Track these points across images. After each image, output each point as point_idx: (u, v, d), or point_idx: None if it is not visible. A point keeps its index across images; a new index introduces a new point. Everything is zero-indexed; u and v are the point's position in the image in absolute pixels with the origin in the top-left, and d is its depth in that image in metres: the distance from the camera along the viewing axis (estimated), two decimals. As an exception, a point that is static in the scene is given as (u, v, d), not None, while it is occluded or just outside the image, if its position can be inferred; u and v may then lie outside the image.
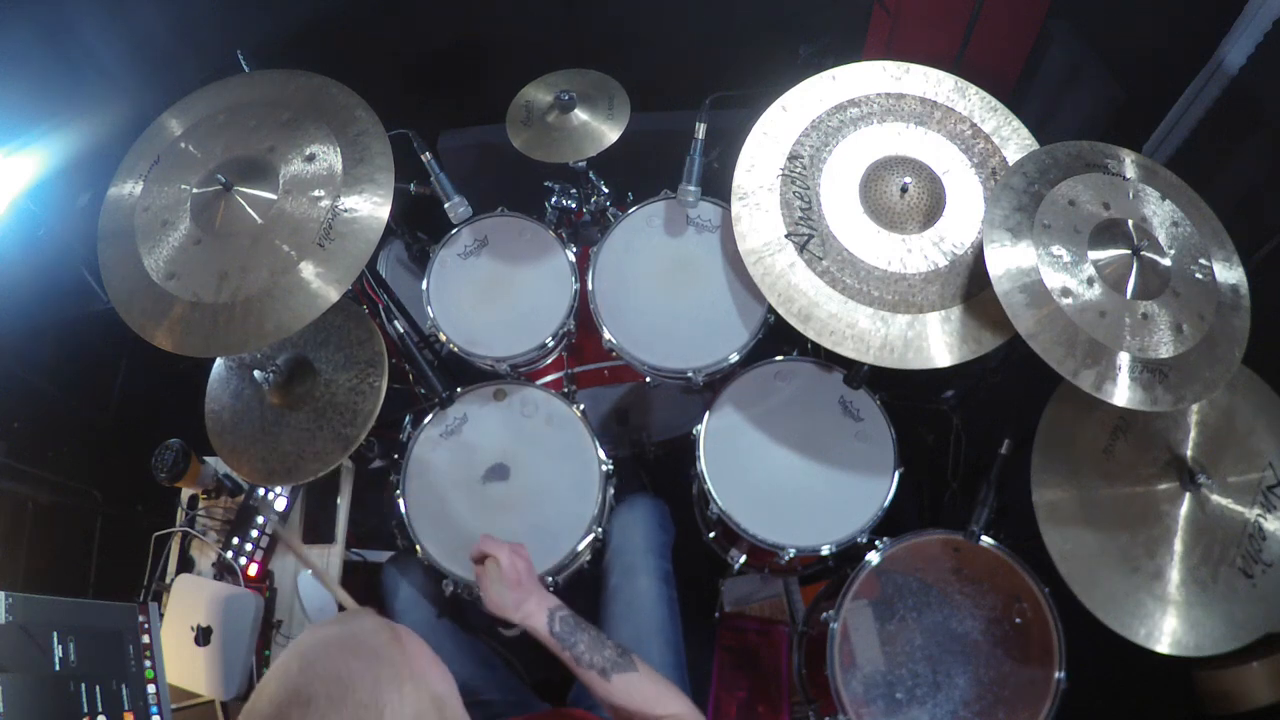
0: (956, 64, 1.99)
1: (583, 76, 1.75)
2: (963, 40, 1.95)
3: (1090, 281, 1.19)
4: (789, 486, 1.51)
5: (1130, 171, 1.29)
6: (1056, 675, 1.35)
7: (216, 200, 1.26)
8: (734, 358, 1.54)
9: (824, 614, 1.44)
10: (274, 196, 1.26)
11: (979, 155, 1.40)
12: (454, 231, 1.71)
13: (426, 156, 1.58)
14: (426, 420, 1.59)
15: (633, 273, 1.64)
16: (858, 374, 1.54)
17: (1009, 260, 1.20)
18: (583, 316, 1.65)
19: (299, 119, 1.32)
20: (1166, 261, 1.22)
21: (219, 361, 1.55)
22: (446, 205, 1.59)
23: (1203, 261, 1.25)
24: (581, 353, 1.77)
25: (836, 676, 1.38)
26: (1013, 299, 1.17)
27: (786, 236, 1.35)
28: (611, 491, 1.57)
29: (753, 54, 1.99)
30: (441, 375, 1.56)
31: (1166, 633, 1.25)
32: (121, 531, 2.06)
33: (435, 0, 2.24)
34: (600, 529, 1.51)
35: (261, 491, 1.69)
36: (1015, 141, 1.40)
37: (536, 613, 1.17)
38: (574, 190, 1.83)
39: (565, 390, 1.71)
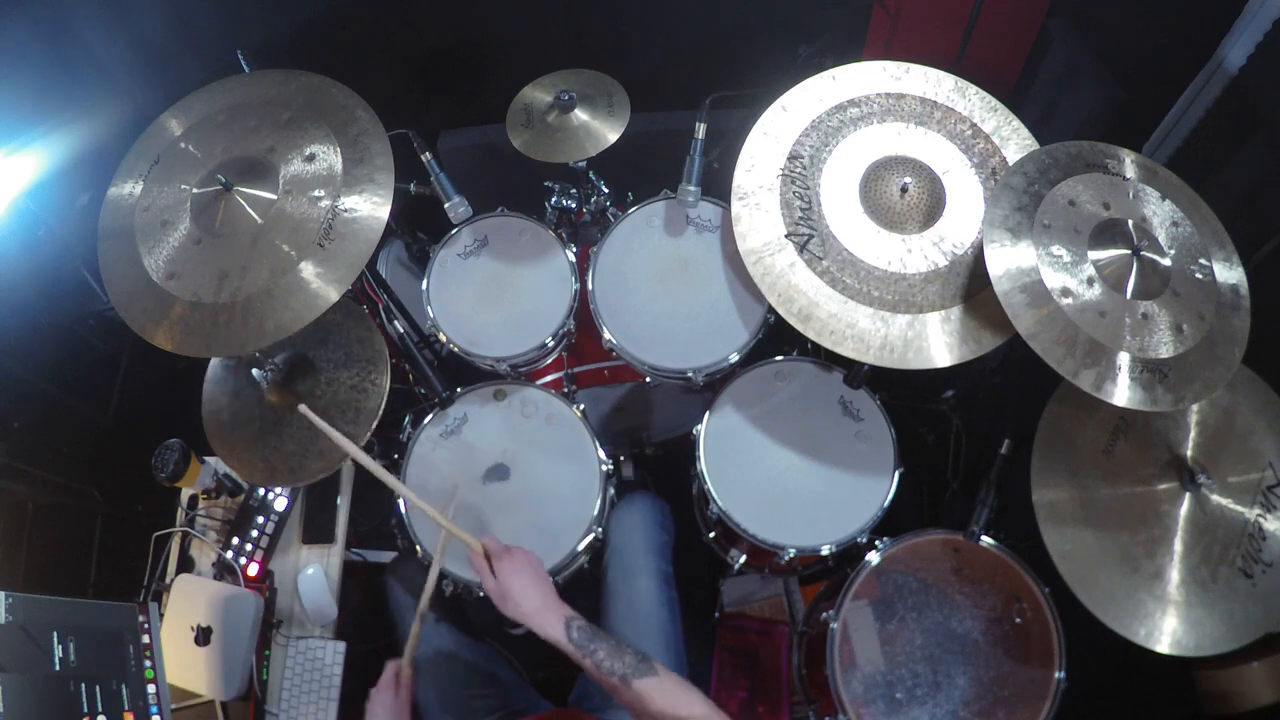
0: (956, 64, 1.99)
1: (582, 76, 1.75)
2: (963, 40, 1.95)
3: (1090, 281, 1.19)
4: (789, 486, 1.51)
5: (1130, 171, 1.29)
6: (1056, 675, 1.35)
7: (216, 200, 1.26)
8: (734, 358, 1.54)
9: (824, 614, 1.44)
10: (274, 196, 1.26)
11: (979, 155, 1.40)
12: (454, 231, 1.71)
13: (426, 156, 1.58)
14: (426, 420, 1.59)
15: (633, 273, 1.64)
16: (858, 374, 1.54)
17: (1009, 260, 1.20)
18: (583, 316, 1.65)
19: (299, 119, 1.32)
20: (1166, 261, 1.22)
21: (215, 361, 1.54)
22: (446, 205, 1.59)
23: (1203, 261, 1.25)
24: (581, 353, 1.77)
25: (836, 676, 1.38)
26: (1013, 299, 1.17)
27: (786, 236, 1.35)
28: (611, 491, 1.57)
29: (753, 54, 1.99)
30: (441, 375, 1.56)
31: (1166, 633, 1.25)
32: (121, 531, 2.06)
33: (435, 0, 2.24)
34: (600, 529, 1.51)
35: (262, 491, 1.69)
36: (1015, 141, 1.40)
37: (554, 621, 1.15)
38: (574, 190, 1.83)
39: (565, 390, 1.71)
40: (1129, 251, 1.20)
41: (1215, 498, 1.31)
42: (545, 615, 1.16)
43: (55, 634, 1.25)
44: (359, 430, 1.42)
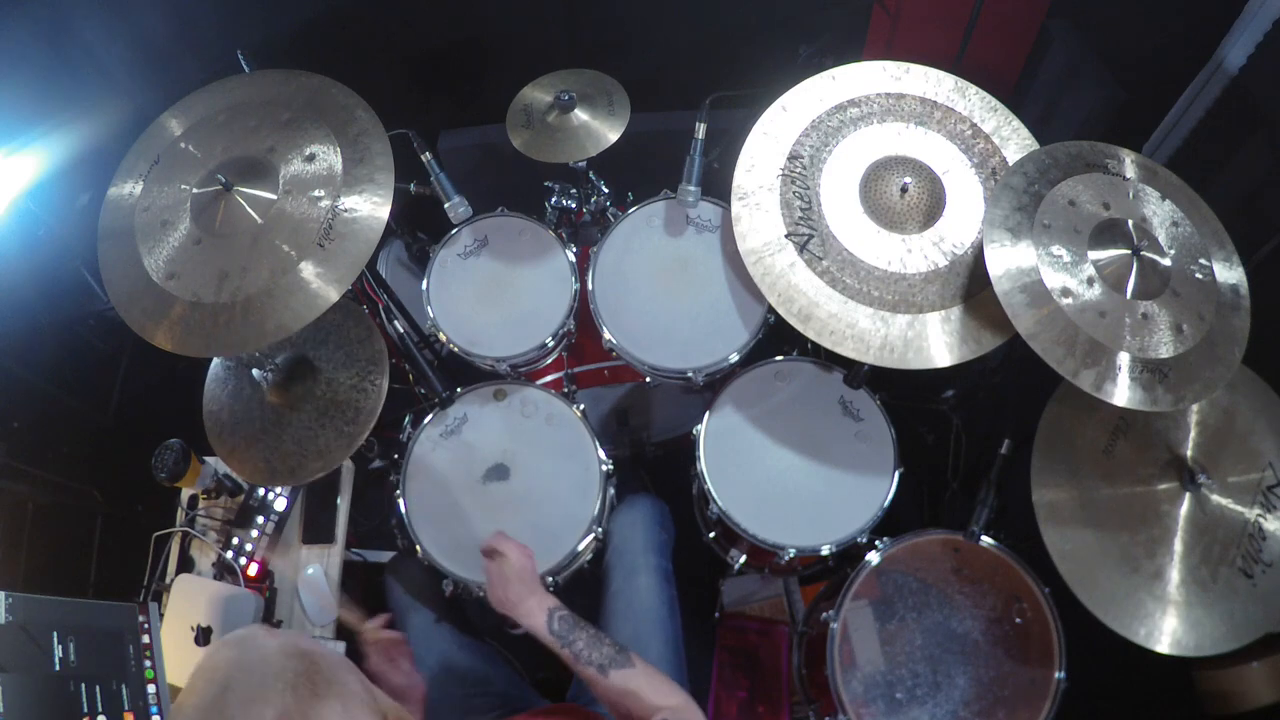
0: (956, 64, 1.99)
1: (582, 76, 1.75)
2: (963, 40, 1.95)
3: (1090, 281, 1.19)
4: (789, 486, 1.51)
5: (1130, 171, 1.29)
6: (1056, 675, 1.35)
7: (216, 200, 1.26)
8: (734, 358, 1.54)
9: (824, 614, 1.44)
10: (274, 196, 1.26)
11: (979, 155, 1.40)
12: (454, 231, 1.71)
13: (426, 156, 1.58)
14: (426, 420, 1.59)
15: (633, 273, 1.64)
16: (858, 374, 1.54)
17: (1009, 260, 1.20)
18: (583, 316, 1.65)
19: (299, 119, 1.32)
20: (1166, 261, 1.22)
21: (215, 361, 1.55)
22: (446, 205, 1.59)
23: (1203, 261, 1.25)
24: (581, 353, 1.77)
25: (836, 676, 1.38)
26: (1013, 299, 1.17)
27: (786, 236, 1.35)
28: (611, 491, 1.57)
29: (753, 54, 1.99)
30: (441, 375, 1.56)
31: (1166, 633, 1.25)
32: (121, 531, 2.06)
33: (435, 0, 2.24)
34: (600, 529, 1.51)
35: (262, 491, 1.69)
36: (1015, 141, 1.40)
37: (537, 611, 1.19)
38: (574, 190, 1.83)
39: (565, 390, 1.71)
40: (1129, 251, 1.20)
41: (1215, 498, 1.31)
42: (527, 603, 1.20)
43: (55, 634, 1.25)
44: (359, 430, 1.42)
